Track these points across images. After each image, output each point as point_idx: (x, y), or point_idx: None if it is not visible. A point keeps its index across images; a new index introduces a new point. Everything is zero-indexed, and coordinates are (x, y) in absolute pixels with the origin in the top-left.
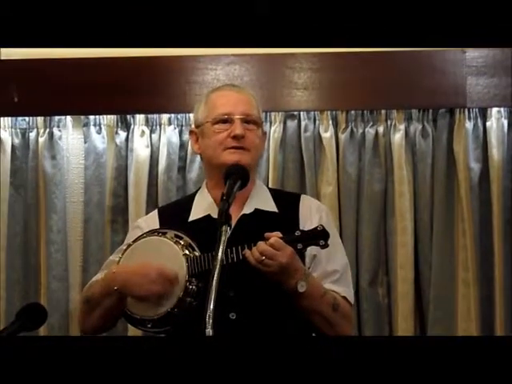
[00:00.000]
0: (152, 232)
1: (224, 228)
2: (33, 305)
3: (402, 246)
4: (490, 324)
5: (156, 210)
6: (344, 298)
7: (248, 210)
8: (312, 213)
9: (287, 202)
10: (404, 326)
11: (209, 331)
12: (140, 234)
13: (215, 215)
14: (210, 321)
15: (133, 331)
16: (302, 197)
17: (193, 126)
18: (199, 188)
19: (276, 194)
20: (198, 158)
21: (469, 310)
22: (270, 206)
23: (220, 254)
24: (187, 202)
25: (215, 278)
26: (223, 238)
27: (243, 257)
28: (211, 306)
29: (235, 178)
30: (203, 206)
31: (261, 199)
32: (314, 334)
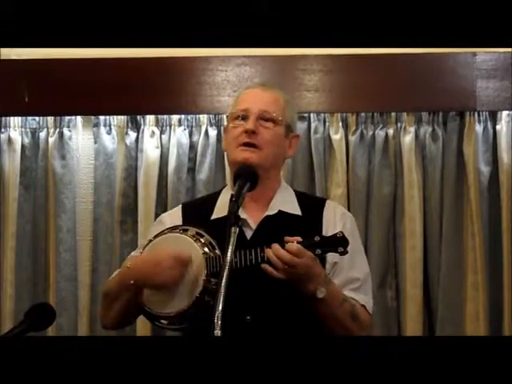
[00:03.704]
0: (173, 228)
1: (233, 230)
2: (41, 305)
3: (411, 249)
4: (499, 326)
5: (180, 206)
6: (363, 306)
7: (272, 211)
8: (336, 219)
9: (312, 205)
10: (413, 328)
11: (217, 333)
12: (162, 228)
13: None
14: (219, 322)
15: (142, 331)
16: (328, 202)
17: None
18: (225, 186)
19: (301, 196)
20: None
21: (477, 313)
22: (295, 208)
23: (229, 256)
24: (212, 199)
25: (224, 280)
26: (232, 240)
27: (263, 268)
28: (219, 308)
29: (244, 179)
30: (226, 205)
31: (285, 201)
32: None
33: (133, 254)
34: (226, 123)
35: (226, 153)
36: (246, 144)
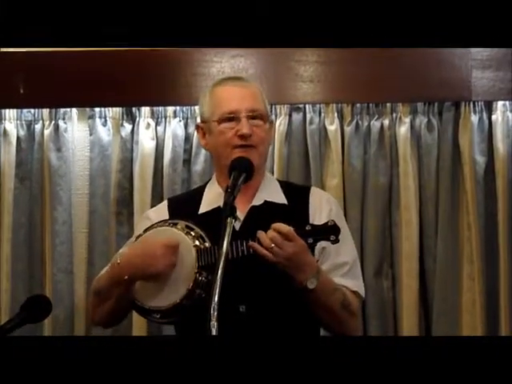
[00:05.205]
0: (163, 222)
1: (229, 220)
2: (37, 297)
3: (407, 239)
4: (495, 317)
5: (166, 201)
6: (355, 292)
7: (257, 201)
8: (322, 205)
9: (297, 194)
10: (408, 318)
11: (213, 324)
12: (150, 224)
13: None
14: (215, 313)
15: (137, 331)
16: (312, 189)
17: (198, 119)
18: (209, 180)
19: (285, 186)
20: (203, 150)
21: (473, 303)
22: (280, 197)
23: (225, 246)
24: (197, 194)
25: (220, 271)
26: (228, 230)
27: (249, 246)
28: (216, 299)
29: (240, 170)
30: (213, 199)
31: (270, 191)
32: (321, 329)
33: (121, 250)
34: (201, 121)
35: (212, 152)
36: (242, 146)
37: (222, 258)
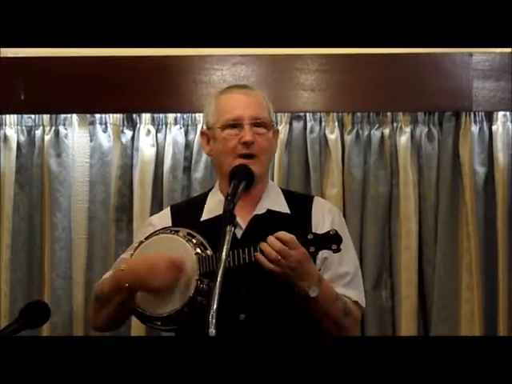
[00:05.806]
0: (164, 230)
1: (228, 228)
2: (36, 302)
3: (407, 249)
4: (494, 328)
5: (169, 208)
6: (356, 302)
7: (260, 210)
8: (324, 215)
9: (300, 203)
10: (407, 328)
11: (211, 331)
12: (152, 231)
13: None
14: (213, 321)
15: (136, 331)
16: (315, 199)
17: (204, 126)
18: (212, 187)
19: (288, 195)
20: (204, 158)
21: (472, 314)
22: (283, 207)
23: (224, 254)
24: (200, 201)
25: (219, 279)
26: (227, 238)
27: (255, 258)
28: (214, 307)
29: (240, 178)
30: (215, 206)
31: (273, 200)
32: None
33: (123, 256)
34: (206, 127)
35: (215, 159)
36: (244, 155)
37: (222, 266)
